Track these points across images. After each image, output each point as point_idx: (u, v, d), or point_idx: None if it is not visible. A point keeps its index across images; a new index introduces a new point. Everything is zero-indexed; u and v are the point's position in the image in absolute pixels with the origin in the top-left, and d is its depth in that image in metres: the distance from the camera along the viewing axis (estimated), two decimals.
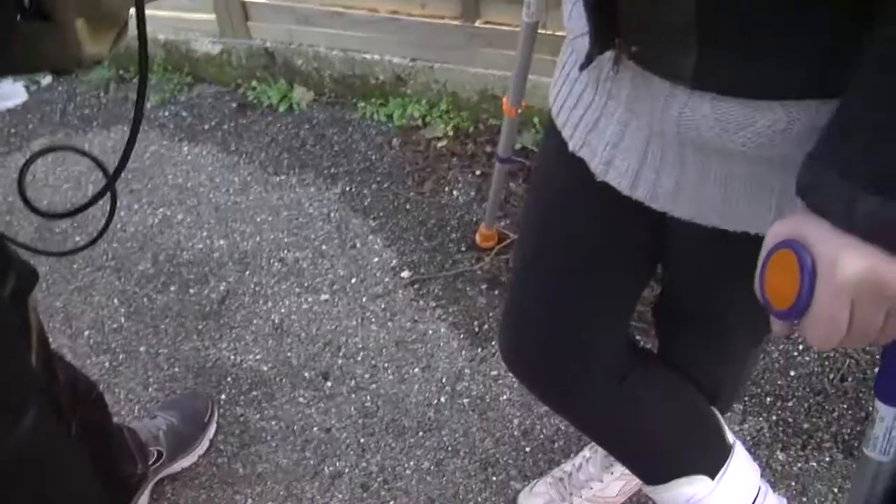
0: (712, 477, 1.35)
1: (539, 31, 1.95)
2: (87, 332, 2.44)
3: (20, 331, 1.37)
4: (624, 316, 1.34)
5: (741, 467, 1.39)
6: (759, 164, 0.88)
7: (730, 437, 1.42)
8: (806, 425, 2.03)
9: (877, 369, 0.84)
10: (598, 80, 1.00)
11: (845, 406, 2.05)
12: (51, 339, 2.10)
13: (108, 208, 1.26)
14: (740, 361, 1.44)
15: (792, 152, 0.80)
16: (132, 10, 1.06)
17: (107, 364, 2.34)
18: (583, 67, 0.96)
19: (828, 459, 1.96)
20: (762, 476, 1.87)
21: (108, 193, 1.21)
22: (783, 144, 0.83)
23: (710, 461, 1.37)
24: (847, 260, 0.67)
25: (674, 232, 1.10)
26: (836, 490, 1.91)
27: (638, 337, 2.19)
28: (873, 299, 0.68)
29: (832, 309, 0.69)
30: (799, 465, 1.97)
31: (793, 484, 1.93)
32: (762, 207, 0.92)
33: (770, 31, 0.77)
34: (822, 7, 0.73)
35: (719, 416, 1.44)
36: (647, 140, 0.96)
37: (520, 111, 2.10)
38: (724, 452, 1.39)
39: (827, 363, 2.14)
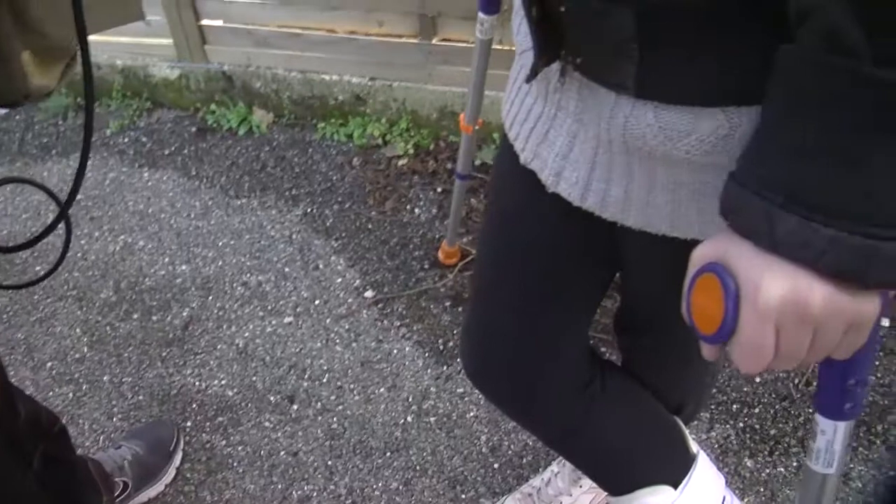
0: (675, 486, 1.35)
1: (495, 46, 1.96)
2: (49, 364, 2.42)
3: None
4: (584, 327, 1.34)
5: (705, 476, 1.39)
6: (705, 171, 0.89)
7: (693, 446, 1.42)
8: (773, 431, 2.04)
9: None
10: (546, 93, 1.01)
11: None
12: (12, 372, 2.09)
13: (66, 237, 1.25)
14: (701, 370, 1.44)
15: (736, 158, 0.80)
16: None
17: (70, 395, 2.31)
18: (528, 80, 0.97)
19: (795, 464, 1.97)
20: (731, 483, 1.89)
21: (64, 223, 1.20)
22: (727, 150, 0.84)
23: (673, 471, 1.37)
24: (770, 282, 0.66)
25: (626, 241, 1.11)
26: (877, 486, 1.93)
27: (604, 349, 2.20)
28: (798, 321, 0.66)
29: (757, 333, 0.68)
30: (767, 470, 1.98)
31: (762, 490, 1.94)
32: (711, 213, 0.92)
33: (709, 39, 0.77)
34: (759, 15, 0.74)
35: (682, 425, 1.44)
36: (596, 150, 0.96)
37: (477, 127, 2.10)
38: (687, 462, 1.39)
39: (792, 369, 2.15)
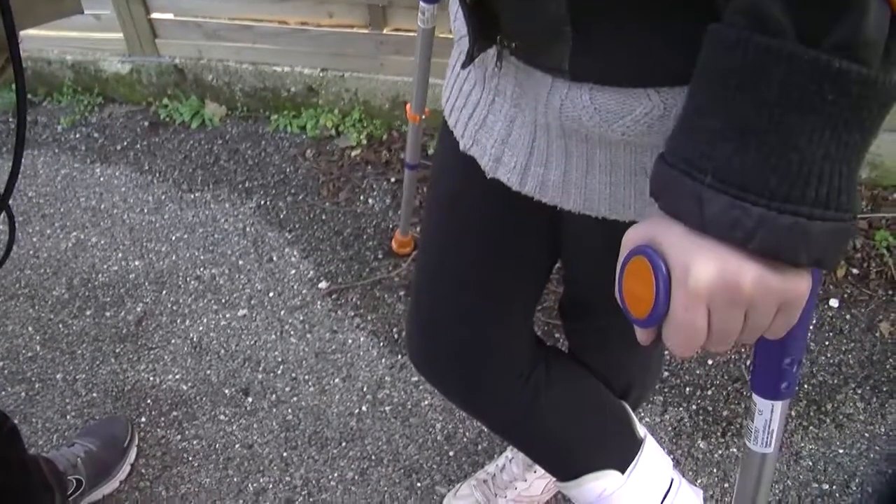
0: (622, 471, 1.36)
1: (442, 35, 1.96)
2: (1, 363, 2.39)
3: None
4: (527, 314, 1.35)
5: (652, 460, 1.40)
6: (642, 152, 0.90)
7: (640, 430, 1.43)
8: (725, 412, 2.07)
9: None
10: (484, 78, 1.01)
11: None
12: None
13: (18, 234, 1.24)
14: (646, 354, 1.45)
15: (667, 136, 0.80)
16: (21, 34, 1.04)
17: (23, 394, 2.30)
18: (465, 66, 0.96)
19: None
20: (684, 465, 1.91)
21: (7, 218, 1.19)
22: (663, 131, 0.84)
23: (620, 455, 1.38)
24: (700, 264, 0.65)
25: (566, 225, 1.11)
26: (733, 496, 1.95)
27: (557, 335, 2.21)
28: (729, 302, 0.66)
29: (689, 315, 0.67)
30: (720, 452, 2.00)
31: (714, 471, 1.96)
32: (647, 194, 0.92)
33: (641, 18, 0.78)
34: None
35: (629, 409, 1.45)
36: (533, 134, 0.97)
37: (424, 117, 2.11)
38: (633, 446, 1.39)
39: (744, 350, 2.17)
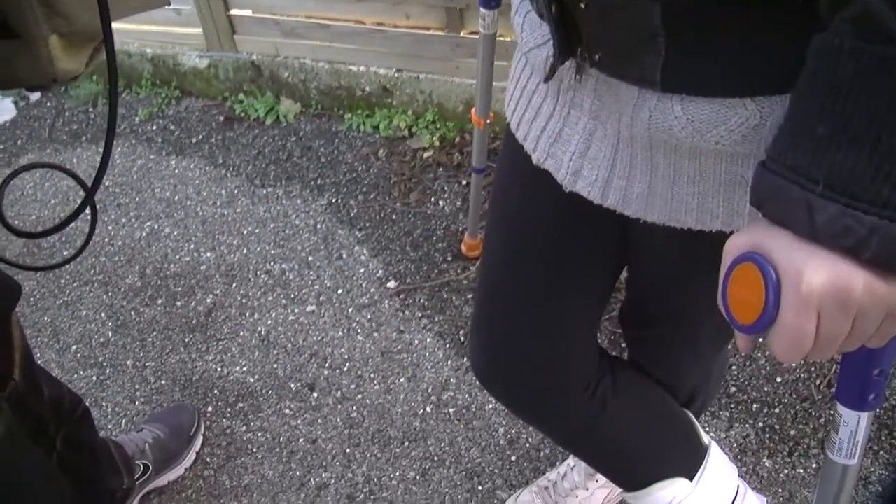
0: (690, 478, 1.35)
1: (502, 39, 1.96)
2: (74, 347, 2.45)
3: (1, 347, 1.37)
4: (592, 327, 1.34)
5: (718, 467, 1.39)
6: (732, 161, 0.89)
7: (705, 437, 1.42)
8: (793, 432, 2.03)
9: None
10: (558, 91, 1.00)
11: (832, 412, 2.04)
12: (38, 354, 2.11)
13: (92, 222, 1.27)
14: (708, 362, 1.44)
15: (766, 147, 0.80)
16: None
17: (94, 378, 2.34)
18: (547, 79, 0.96)
19: (815, 466, 1.96)
20: (749, 483, 1.88)
21: (90, 207, 1.22)
22: (757, 140, 0.84)
23: (687, 463, 1.37)
24: (812, 270, 0.65)
25: (640, 235, 1.10)
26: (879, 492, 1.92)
27: (609, 344, 2.20)
28: (840, 308, 0.66)
29: (799, 321, 0.67)
30: (786, 471, 1.96)
31: (780, 491, 1.93)
32: (738, 204, 0.92)
33: (737, 28, 0.77)
34: (785, 2, 0.73)
35: (693, 418, 1.44)
36: (615, 147, 0.96)
37: (488, 121, 2.11)
38: (700, 453, 1.39)
39: (814, 369, 2.14)
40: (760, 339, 0.75)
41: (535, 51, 0.98)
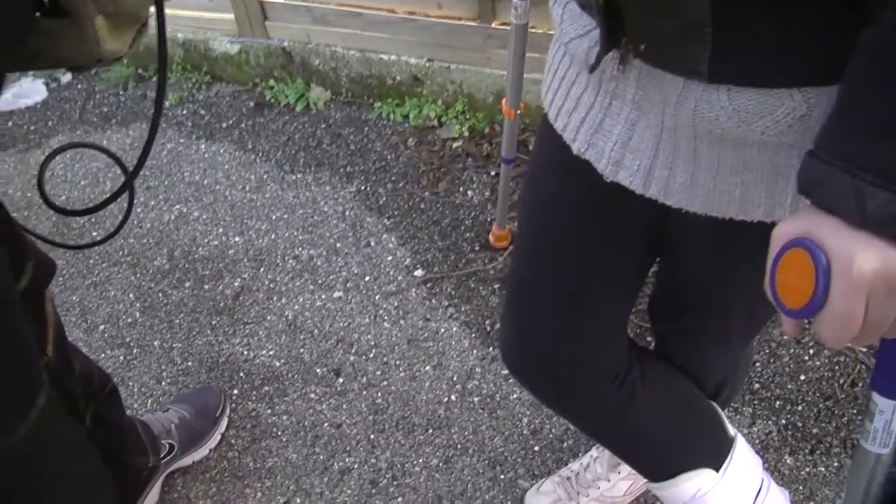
0: (717, 470, 1.35)
1: (534, 31, 1.95)
2: (102, 327, 2.47)
3: (36, 322, 1.39)
4: (623, 314, 1.33)
5: (744, 459, 1.39)
6: (776, 152, 0.89)
7: (731, 429, 1.41)
8: (815, 430, 2.03)
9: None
10: (599, 81, 1.00)
11: (855, 411, 2.05)
12: (66, 333, 2.13)
13: (125, 205, 1.28)
14: (736, 354, 1.45)
15: (810, 137, 0.80)
16: (152, 9, 1.08)
17: (121, 358, 2.36)
18: (592, 70, 0.95)
19: (836, 464, 1.95)
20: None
21: (128, 191, 1.23)
22: (802, 130, 0.84)
23: (714, 454, 1.37)
24: (863, 256, 0.67)
25: (677, 225, 1.10)
26: (843, 495, 1.90)
27: (649, 338, 2.19)
28: (889, 293, 0.68)
29: (848, 306, 0.69)
30: (807, 469, 1.96)
31: (800, 488, 1.93)
32: (780, 194, 0.92)
33: (785, 18, 0.77)
34: None
35: (719, 409, 1.44)
36: (658, 137, 0.96)
37: (519, 112, 2.11)
38: (726, 445, 1.38)
39: (837, 368, 2.13)
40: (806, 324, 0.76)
41: (575, 41, 0.98)
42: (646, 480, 1.47)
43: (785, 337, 0.81)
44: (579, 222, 1.19)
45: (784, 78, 0.81)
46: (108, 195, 1.19)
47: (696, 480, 1.34)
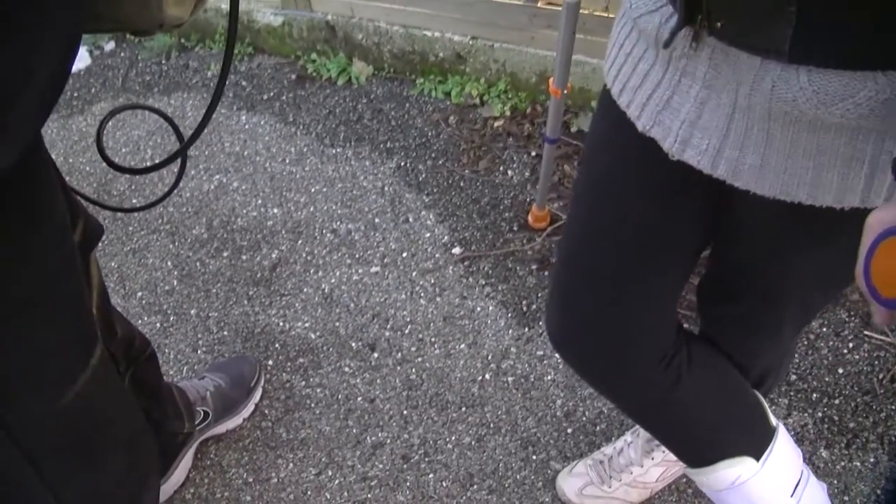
0: (757, 459, 1.34)
1: (584, 11, 1.94)
2: (139, 294, 2.48)
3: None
4: (673, 298, 1.33)
5: (785, 450, 1.38)
6: (854, 136, 0.87)
7: (773, 419, 1.41)
8: (852, 424, 2.01)
9: None
10: (669, 58, 0.98)
11: (894, 407, 2.02)
12: None
13: (166, 173, 1.30)
14: (786, 343, 1.43)
15: (891, 122, 0.79)
16: None
17: (158, 325, 2.37)
18: (667, 45, 0.94)
19: (872, 460, 1.94)
20: None
21: (179, 158, 1.25)
22: (882, 115, 0.82)
23: (755, 443, 1.36)
24: None
25: (741, 208, 1.09)
26: (879, 492, 1.88)
27: (686, 326, 2.18)
28: None
29: None
30: (842, 463, 1.94)
31: (835, 482, 1.91)
32: (853, 179, 0.90)
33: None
34: None
35: (762, 398, 1.43)
36: (730, 116, 0.94)
37: (566, 92, 2.09)
38: (768, 434, 1.38)
39: (877, 362, 2.11)
40: None
41: (645, 17, 0.97)
42: (683, 465, 1.46)
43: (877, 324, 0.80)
44: (636, 202, 1.19)
45: (869, 60, 0.79)
46: (148, 163, 1.20)
47: (737, 468, 1.34)
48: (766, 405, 1.41)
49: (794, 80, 0.83)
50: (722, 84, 0.92)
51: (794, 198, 0.95)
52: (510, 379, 2.16)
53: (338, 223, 2.64)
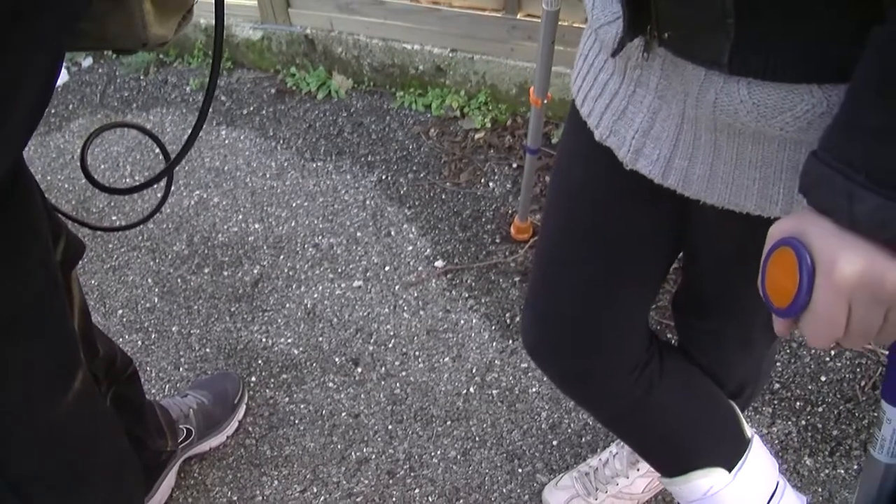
0: (729, 470, 1.35)
1: (564, 23, 1.94)
2: (120, 311, 2.46)
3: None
4: (645, 308, 1.34)
5: (759, 461, 1.39)
6: (796, 149, 0.87)
7: (748, 430, 1.41)
8: (835, 432, 2.01)
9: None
10: (625, 68, 0.99)
11: (876, 414, 2.03)
12: None
13: (148, 192, 1.30)
14: (759, 355, 1.44)
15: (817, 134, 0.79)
16: None
17: (139, 343, 2.36)
18: (615, 54, 0.95)
19: (856, 467, 1.94)
20: (789, 481, 1.86)
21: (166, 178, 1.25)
22: (822, 128, 0.82)
23: (728, 454, 1.36)
24: (846, 259, 0.67)
25: (698, 217, 1.10)
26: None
27: (669, 335, 2.18)
28: (871, 299, 0.68)
29: (830, 307, 0.69)
30: (826, 471, 1.95)
31: (819, 490, 1.92)
32: (797, 192, 0.91)
33: (808, 13, 0.76)
34: None
35: (737, 409, 1.43)
36: (679, 127, 0.95)
37: (546, 101, 2.09)
38: (741, 445, 1.38)
39: (859, 370, 2.11)
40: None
41: (605, 27, 0.98)
42: (660, 476, 1.47)
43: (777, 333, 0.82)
44: (604, 209, 1.20)
45: (805, 73, 0.80)
46: (128, 180, 1.20)
47: (708, 479, 1.34)
48: (741, 417, 1.42)
49: (735, 92, 0.84)
50: (672, 94, 0.93)
51: (743, 208, 0.96)
52: (495, 392, 2.15)
53: (319, 237, 2.63)
